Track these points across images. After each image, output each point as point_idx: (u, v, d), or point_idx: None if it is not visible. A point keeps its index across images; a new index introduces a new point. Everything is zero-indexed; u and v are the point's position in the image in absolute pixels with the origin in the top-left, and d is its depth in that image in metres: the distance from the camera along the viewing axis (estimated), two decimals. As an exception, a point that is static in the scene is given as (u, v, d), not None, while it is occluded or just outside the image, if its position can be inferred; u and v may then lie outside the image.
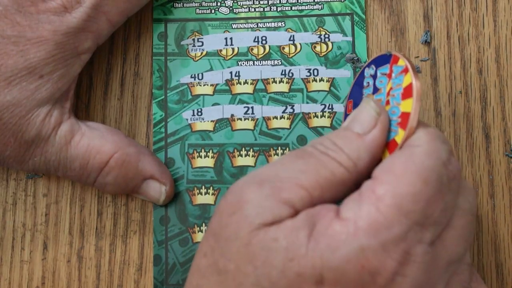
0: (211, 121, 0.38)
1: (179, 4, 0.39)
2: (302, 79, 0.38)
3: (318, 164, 0.28)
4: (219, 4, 0.39)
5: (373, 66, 0.33)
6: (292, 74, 0.38)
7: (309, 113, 0.38)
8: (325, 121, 0.38)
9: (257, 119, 0.38)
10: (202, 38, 0.39)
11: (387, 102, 0.31)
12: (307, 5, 0.39)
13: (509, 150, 0.38)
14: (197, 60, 0.38)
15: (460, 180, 0.28)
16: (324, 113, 0.38)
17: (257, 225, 0.26)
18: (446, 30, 0.38)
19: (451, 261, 0.28)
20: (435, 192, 0.26)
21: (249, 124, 0.38)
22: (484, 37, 0.38)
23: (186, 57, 0.38)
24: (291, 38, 0.39)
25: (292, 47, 0.38)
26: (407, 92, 0.29)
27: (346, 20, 0.38)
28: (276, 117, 0.38)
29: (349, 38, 0.38)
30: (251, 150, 0.38)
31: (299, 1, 0.39)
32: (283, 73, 0.38)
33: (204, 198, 0.37)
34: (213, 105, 0.38)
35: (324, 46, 0.38)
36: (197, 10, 0.39)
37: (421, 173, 0.26)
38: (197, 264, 0.28)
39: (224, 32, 0.39)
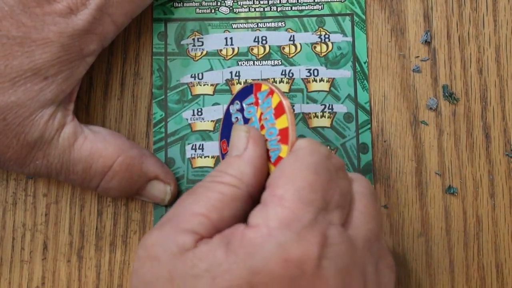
0: (211, 121, 0.38)
1: (179, 3, 0.39)
2: (302, 79, 0.38)
3: (207, 191, 0.29)
4: (219, 3, 0.39)
5: (237, 101, 0.34)
6: (292, 74, 0.38)
7: (309, 113, 0.38)
8: (325, 121, 0.38)
9: (257, 119, 0.38)
10: (202, 38, 0.39)
11: (262, 127, 0.32)
12: (307, 5, 0.39)
13: (509, 150, 0.38)
14: (197, 60, 0.38)
15: (346, 172, 0.31)
16: (324, 113, 0.38)
17: (169, 259, 0.27)
18: (446, 30, 0.38)
19: (368, 239, 0.29)
20: (328, 180, 0.29)
21: (249, 124, 0.38)
22: (484, 37, 0.38)
23: (186, 56, 0.38)
24: (291, 38, 0.39)
25: (292, 47, 0.38)
26: (279, 110, 0.31)
27: (346, 20, 0.38)
28: (276, 117, 0.38)
29: (349, 38, 0.38)
30: (251, 150, 0.38)
31: (299, 1, 0.39)
32: (283, 73, 0.38)
33: (204, 198, 0.37)
34: (213, 105, 0.38)
35: (324, 46, 0.38)
36: (197, 10, 0.39)
37: (309, 167, 0.29)
38: None
39: (224, 32, 0.39)
